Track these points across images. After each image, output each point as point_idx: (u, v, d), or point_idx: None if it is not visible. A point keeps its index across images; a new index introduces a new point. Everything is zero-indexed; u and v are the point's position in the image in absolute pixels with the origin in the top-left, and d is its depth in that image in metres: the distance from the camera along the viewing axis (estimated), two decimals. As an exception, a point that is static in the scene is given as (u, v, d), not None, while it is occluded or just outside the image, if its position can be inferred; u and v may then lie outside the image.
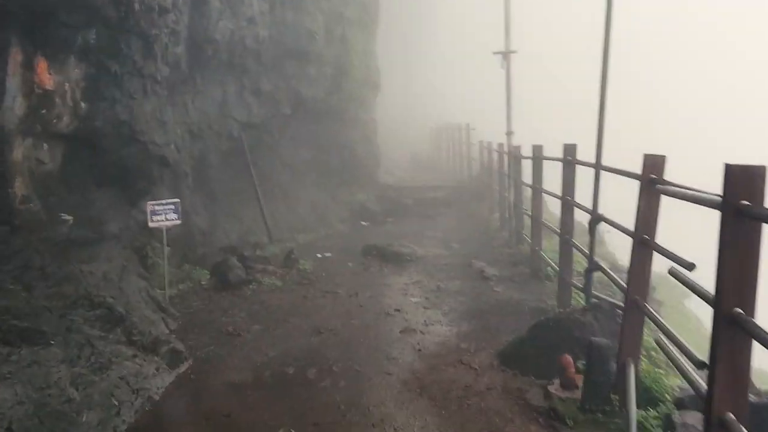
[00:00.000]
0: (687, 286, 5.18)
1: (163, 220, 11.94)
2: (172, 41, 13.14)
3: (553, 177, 11.48)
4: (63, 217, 11.17)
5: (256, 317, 11.05)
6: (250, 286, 12.97)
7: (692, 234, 18.89)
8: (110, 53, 11.33)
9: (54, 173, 11.28)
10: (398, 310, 11.21)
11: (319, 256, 16.26)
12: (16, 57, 10.16)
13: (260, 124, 18.32)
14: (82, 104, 11.14)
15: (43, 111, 10.64)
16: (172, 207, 12.06)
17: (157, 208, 11.86)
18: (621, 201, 10.40)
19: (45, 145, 11.04)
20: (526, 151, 13.98)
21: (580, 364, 7.40)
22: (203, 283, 13.27)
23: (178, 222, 12.18)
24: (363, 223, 21.86)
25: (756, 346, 4.20)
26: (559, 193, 10.55)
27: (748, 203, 4.23)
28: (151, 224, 11.86)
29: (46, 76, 10.49)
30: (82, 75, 11.08)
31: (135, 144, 12.36)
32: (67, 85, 10.87)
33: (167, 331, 10.15)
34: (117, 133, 11.94)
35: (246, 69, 17.25)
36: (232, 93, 16.84)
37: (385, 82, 29.43)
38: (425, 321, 10.60)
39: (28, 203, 10.52)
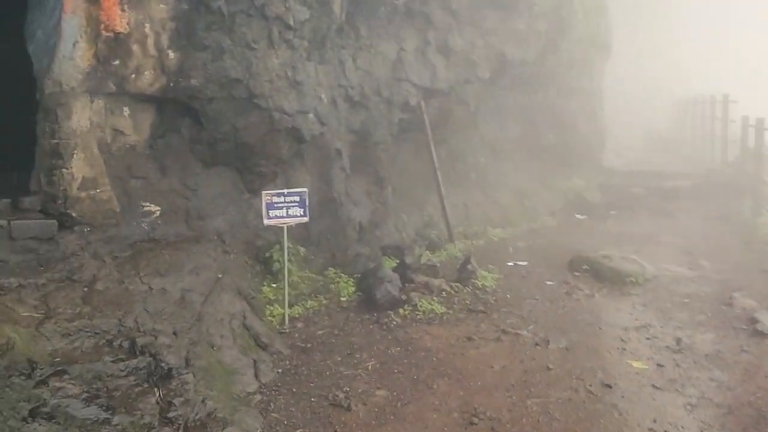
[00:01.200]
0: None
1: (283, 217, 8.63)
2: (316, -28, 9.78)
3: None
4: (145, 208, 8.23)
5: (387, 372, 7.39)
6: (401, 311, 9.29)
7: None
8: (212, -19, 8.16)
9: (138, 148, 8.39)
10: (608, 387, 6.92)
11: (509, 264, 12.17)
12: (76, -15, 7.23)
13: (448, 90, 14.45)
14: (170, 54, 8.07)
15: (116, 62, 7.70)
16: (297, 199, 8.72)
17: (275, 200, 8.61)
18: None
19: (125, 110, 8.13)
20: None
21: None
22: (343, 299, 9.83)
23: (305, 219, 8.84)
24: (578, 216, 17.27)
25: None
26: None
27: None
28: (266, 221, 8.65)
29: (115, 13, 7.51)
30: (171, 12, 8.01)
31: (254, 111, 9.18)
32: (147, 26, 7.85)
33: (252, 388, 6.79)
34: (228, 95, 8.79)
35: (430, 20, 13.46)
36: (410, 50, 13.13)
37: (617, 44, 24.10)
38: (655, 420, 6.22)
39: (93, 188, 7.66)
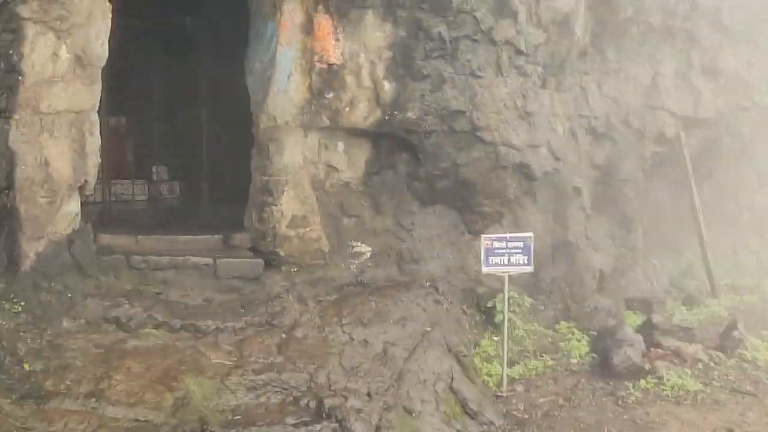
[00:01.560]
0: None
1: (503, 264, 7.63)
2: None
3: None
4: (356, 248, 7.73)
5: (617, 466, 6.00)
6: (643, 382, 7.74)
7: None
8: (434, 5, 7.47)
9: (352, 185, 7.92)
10: None
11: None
12: (292, 16, 6.98)
13: (715, 119, 12.37)
14: (386, 85, 7.50)
15: (329, 95, 7.30)
16: (520, 245, 7.68)
17: (496, 246, 7.65)
18: None
19: (340, 145, 7.71)
20: None
21: None
22: (573, 360, 8.51)
23: (528, 269, 7.75)
24: None
25: None
26: None
27: None
28: (485, 269, 7.71)
29: (330, 44, 7.11)
30: (388, 41, 7.45)
31: (477, 145, 8.30)
32: (362, 56, 7.37)
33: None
34: (448, 128, 8.04)
35: (694, 38, 11.63)
36: (668, 74, 11.41)
37: None
38: None
39: (302, 227, 7.32)
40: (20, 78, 5.18)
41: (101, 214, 8.92)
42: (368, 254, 7.91)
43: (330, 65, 7.29)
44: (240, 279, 7.01)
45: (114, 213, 9.06)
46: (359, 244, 7.89)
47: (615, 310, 9.83)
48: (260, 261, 7.15)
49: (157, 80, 9.77)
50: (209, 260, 6.84)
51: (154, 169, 11.01)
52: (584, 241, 10.26)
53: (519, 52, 8.40)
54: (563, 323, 9.26)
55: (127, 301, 6.04)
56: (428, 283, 8.08)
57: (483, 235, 7.85)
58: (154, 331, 6.00)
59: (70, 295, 5.78)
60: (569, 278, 9.80)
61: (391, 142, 8.01)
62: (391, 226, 8.18)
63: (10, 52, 5.06)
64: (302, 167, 7.49)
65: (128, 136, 10.91)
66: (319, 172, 7.69)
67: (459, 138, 8.20)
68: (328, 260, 7.63)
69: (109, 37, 6.00)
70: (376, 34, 7.42)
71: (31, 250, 5.58)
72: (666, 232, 12.41)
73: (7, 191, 5.19)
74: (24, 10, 5.10)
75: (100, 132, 11.12)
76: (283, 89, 7.29)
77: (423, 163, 8.14)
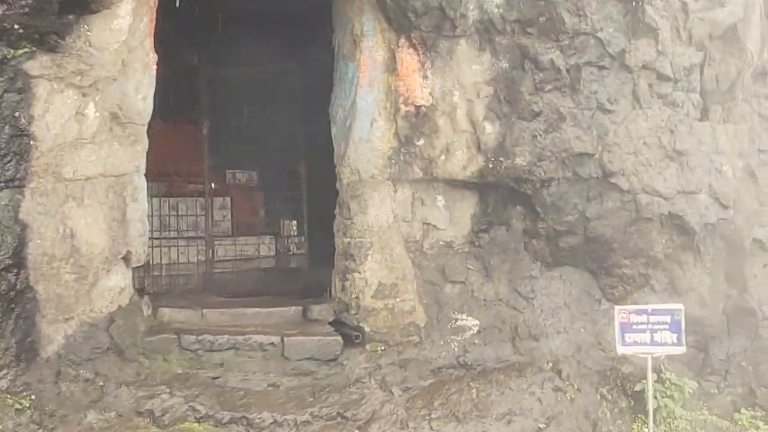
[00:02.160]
0: None
1: (645, 344, 6.06)
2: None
3: None
4: (459, 322, 6.50)
5: None
6: None
7: None
8: (542, 29, 6.18)
9: (456, 245, 6.73)
10: None
11: None
12: (373, 53, 6.05)
13: None
14: (487, 127, 6.26)
15: (419, 142, 6.22)
16: (667, 320, 6.08)
17: (634, 320, 6.13)
18: None
19: (439, 199, 6.57)
20: None
21: None
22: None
23: (679, 350, 6.10)
24: None
25: None
26: None
27: None
28: (620, 349, 6.20)
29: (416, 82, 6.05)
30: (486, 74, 6.23)
31: (611, 194, 6.76)
32: (456, 94, 6.20)
33: None
34: (571, 175, 6.62)
35: None
36: None
37: None
38: None
39: (392, 297, 6.26)
40: (32, 143, 4.63)
41: (205, 279, 8.41)
42: (475, 329, 6.60)
43: (417, 107, 6.19)
44: (313, 360, 6.01)
45: (216, 277, 8.52)
46: (464, 316, 6.62)
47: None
48: (337, 339, 6.11)
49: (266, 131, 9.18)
50: (275, 339, 5.91)
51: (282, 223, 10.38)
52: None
53: (663, 77, 6.79)
54: (745, 412, 7.39)
55: (167, 390, 5.24)
56: (549, 365, 6.59)
57: (617, 307, 6.30)
58: (195, 425, 5.14)
59: (101, 384, 5.09)
60: (752, 355, 7.86)
61: (502, 193, 6.71)
62: (505, 294, 6.82)
63: (17, 114, 4.51)
64: (391, 227, 6.40)
65: (259, 191, 10.47)
66: (414, 232, 6.55)
67: (586, 186, 6.72)
68: (424, 337, 6.44)
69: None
70: (471, 68, 6.21)
71: (56, 333, 4.96)
72: None
73: (15, 270, 4.60)
74: (33, 67, 4.53)
75: (228, 185, 11.03)
76: (366, 138, 6.30)
77: (542, 218, 6.73)
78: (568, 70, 6.37)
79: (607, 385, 6.96)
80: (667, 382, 7.06)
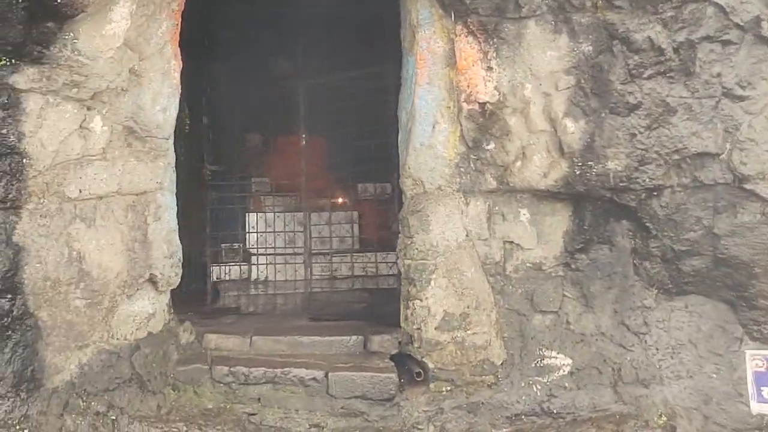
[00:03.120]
0: None
1: (788, 400, 4.67)
2: None
3: None
4: (548, 360, 5.48)
5: None
6: None
7: None
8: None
9: (546, 267, 5.70)
10: None
11: None
12: (431, 43, 5.33)
13: None
14: (569, 125, 5.15)
15: (489, 146, 5.31)
16: (818, 369, 4.61)
17: (770, 366, 4.75)
18: None
19: (523, 213, 5.59)
20: None
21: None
22: None
23: (837, 411, 4.57)
24: None
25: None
26: None
27: None
28: (754, 406, 4.87)
29: (477, 74, 5.16)
30: (565, 61, 5.13)
31: (747, 204, 5.30)
32: (528, 87, 5.18)
33: None
34: (690, 181, 5.28)
35: None
36: None
37: None
38: None
39: (461, 328, 5.43)
40: (25, 161, 4.38)
41: (308, 299, 8.00)
42: (566, 369, 5.48)
43: (482, 105, 5.22)
44: (364, 400, 5.27)
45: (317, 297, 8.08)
46: (554, 353, 5.52)
47: None
48: (392, 376, 5.31)
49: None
50: (318, 374, 5.24)
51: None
52: None
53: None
54: None
55: (187, 427, 4.77)
56: (662, 419, 5.27)
57: (749, 351, 4.87)
58: (214, 469, 4.62)
59: (113, 418, 4.72)
60: None
61: (601, 204, 5.51)
62: (609, 328, 5.60)
63: (4, 131, 4.28)
64: (462, 246, 5.49)
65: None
66: (492, 252, 5.57)
67: (712, 194, 5.31)
68: (501, 377, 5.44)
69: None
70: (546, 54, 5.12)
71: (66, 362, 4.65)
72: None
73: (9, 296, 4.35)
74: (19, 81, 4.26)
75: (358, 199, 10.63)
76: (427, 143, 5.45)
77: (654, 235, 5.44)
78: (676, 50, 5.05)
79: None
80: None
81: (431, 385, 5.43)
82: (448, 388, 5.40)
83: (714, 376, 5.54)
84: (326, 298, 8.04)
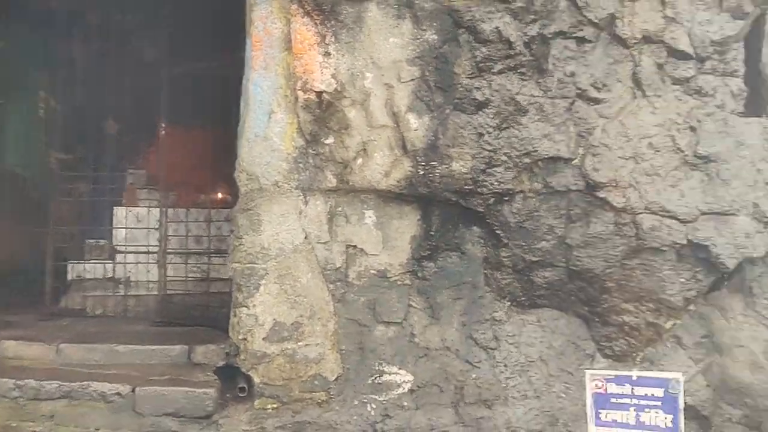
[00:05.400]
0: None
1: (627, 426, 4.30)
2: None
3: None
4: (386, 376, 5.03)
5: None
6: None
7: None
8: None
9: (391, 275, 5.29)
10: None
11: None
12: (266, 24, 4.91)
13: None
14: (412, 120, 4.73)
15: (328, 141, 4.85)
16: (658, 394, 4.31)
17: (613, 390, 4.43)
18: None
19: (369, 216, 5.19)
20: None
21: None
22: None
23: (682, 439, 4.24)
24: None
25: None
26: None
27: None
28: (593, 430, 4.39)
29: (315, 61, 4.74)
30: (409, 50, 4.74)
31: (599, 214, 5.02)
32: (369, 76, 4.79)
33: None
34: (541, 187, 4.94)
35: None
36: None
37: None
38: None
39: (292, 340, 4.97)
40: None
41: (162, 302, 7.34)
42: (407, 386, 5.04)
43: (318, 94, 4.74)
44: (177, 418, 4.70)
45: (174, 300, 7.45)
46: (395, 369, 5.07)
47: None
48: (210, 392, 4.77)
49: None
50: (124, 388, 4.65)
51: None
52: None
53: (678, 54, 4.93)
54: None
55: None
56: (514, 443, 4.88)
57: (589, 372, 4.50)
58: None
59: None
60: None
61: (450, 209, 5.09)
62: (456, 341, 5.19)
63: None
64: (299, 250, 4.99)
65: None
66: (333, 257, 5.09)
67: (564, 201, 4.98)
68: (334, 394, 4.96)
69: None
70: (388, 41, 4.68)
71: None
72: None
73: None
74: None
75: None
76: (263, 134, 4.93)
77: (506, 243, 5.05)
78: (527, 44, 4.68)
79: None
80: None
81: (256, 402, 4.91)
82: (274, 406, 4.89)
83: (563, 396, 5.20)
84: (181, 300, 7.42)
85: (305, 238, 5.05)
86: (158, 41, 7.92)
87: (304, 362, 4.95)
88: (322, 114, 4.79)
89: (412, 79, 4.71)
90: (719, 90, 5.10)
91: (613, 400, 4.38)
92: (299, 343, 4.95)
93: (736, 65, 5.18)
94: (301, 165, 4.98)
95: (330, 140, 4.87)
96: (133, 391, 4.69)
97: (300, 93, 4.78)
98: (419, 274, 5.21)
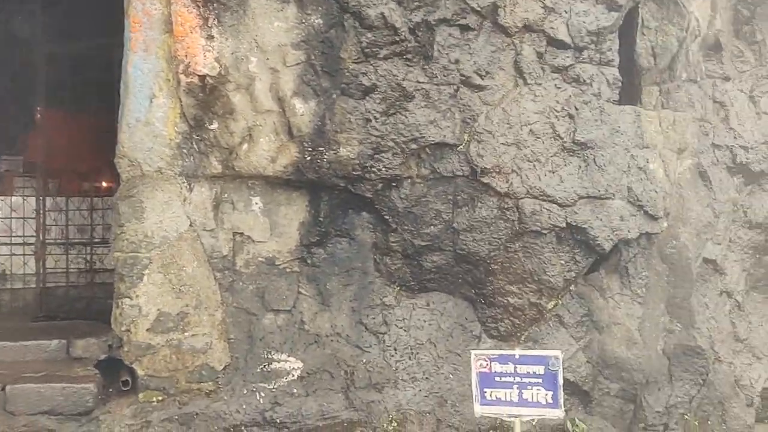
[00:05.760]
0: None
1: (510, 403, 4.39)
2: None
3: None
4: (275, 364, 4.99)
5: None
6: None
7: None
8: (371, -24, 4.55)
9: (280, 263, 5.19)
10: None
11: None
12: (145, 4, 4.56)
13: None
14: (299, 105, 4.66)
15: (213, 126, 4.70)
16: (539, 371, 4.40)
17: (497, 369, 4.47)
18: None
19: (256, 202, 5.11)
20: None
21: None
22: None
23: (556, 414, 4.39)
24: None
25: None
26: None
27: None
28: (478, 409, 4.51)
29: (197, 44, 4.60)
30: (294, 34, 4.69)
31: (485, 199, 5.12)
32: (253, 60, 4.66)
33: None
34: (429, 173, 4.98)
35: None
36: None
37: None
38: None
39: (178, 330, 4.76)
40: None
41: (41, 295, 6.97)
42: (296, 373, 5.01)
43: (202, 78, 4.61)
44: (54, 416, 4.49)
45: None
46: (284, 356, 5.03)
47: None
48: (89, 387, 4.59)
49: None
50: (-6, 385, 4.39)
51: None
52: (731, 346, 6.41)
53: (557, 44, 5.10)
54: (686, 482, 5.72)
55: None
56: (392, 424, 4.94)
57: (474, 352, 4.61)
58: None
59: None
60: (699, 405, 6.06)
61: (339, 195, 5.08)
62: (346, 327, 5.20)
63: None
64: (183, 238, 4.85)
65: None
66: (219, 245, 4.98)
67: (451, 187, 5.08)
68: (222, 383, 4.87)
69: None
70: (273, 25, 4.62)
71: None
72: None
73: None
74: None
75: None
76: (144, 119, 4.76)
77: (395, 229, 5.09)
78: (412, 30, 4.73)
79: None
80: (574, 438, 5.40)
81: (140, 395, 4.76)
82: (160, 398, 4.76)
83: (451, 376, 5.32)
84: (64, 293, 7.08)
85: (190, 225, 4.92)
86: (32, 16, 7.46)
87: (191, 352, 4.83)
88: (206, 98, 4.67)
89: (298, 64, 4.66)
90: (596, 79, 5.33)
91: (497, 378, 4.52)
92: (185, 334, 4.83)
93: (611, 55, 5.44)
94: (185, 151, 4.84)
95: (215, 125, 4.75)
96: (3, 389, 4.44)
97: (182, 77, 4.64)
98: (308, 261, 5.18)
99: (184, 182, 4.89)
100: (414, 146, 4.87)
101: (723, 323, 6.38)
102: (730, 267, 6.45)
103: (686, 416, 6.07)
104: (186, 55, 4.60)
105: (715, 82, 6.30)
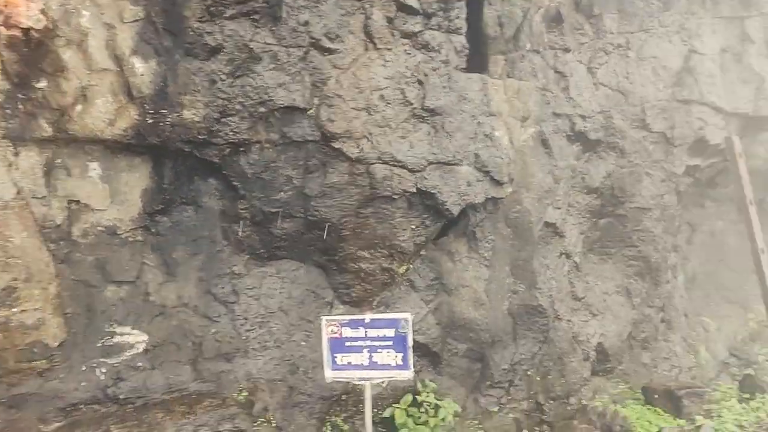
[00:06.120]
0: None
1: (360, 367, 4.37)
2: None
3: None
4: (117, 337, 4.69)
5: None
6: None
7: None
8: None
9: (122, 232, 4.88)
10: None
11: None
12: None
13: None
14: (139, 65, 4.37)
15: (41, 84, 4.29)
16: (389, 334, 4.43)
17: (347, 334, 4.43)
18: None
19: (93, 168, 4.77)
20: None
21: None
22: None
23: (405, 374, 4.46)
24: None
25: None
26: None
27: None
28: (329, 374, 4.46)
29: (19, -3, 4.06)
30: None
31: (336, 164, 5.09)
32: (86, 14, 4.33)
33: None
34: (278, 137, 4.86)
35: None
36: (709, 52, 7.81)
37: None
38: None
39: (6, 306, 4.28)
40: None
41: None
42: (142, 346, 4.79)
43: (26, 31, 4.22)
44: None
45: None
46: (128, 329, 4.78)
47: (613, 415, 6.30)
48: None
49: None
50: None
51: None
52: (569, 304, 6.79)
53: (407, 9, 5.10)
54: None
55: None
56: (243, 394, 4.85)
57: (325, 318, 4.59)
58: None
59: None
60: (541, 362, 6.39)
61: (184, 161, 4.85)
62: (194, 298, 5.02)
63: None
64: (9, 206, 4.47)
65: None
66: (53, 213, 4.63)
67: (302, 152, 4.99)
68: (58, 361, 4.56)
69: None
70: (108, -23, 4.30)
71: None
72: (724, 281, 8.84)
73: None
74: None
75: None
76: (-41, 76, 4.28)
77: (243, 195, 4.94)
78: (261, -12, 4.56)
79: (339, 415, 5.33)
80: (424, 404, 5.53)
81: (-36, 378, 4.37)
82: (-12, 380, 4.39)
83: (303, 344, 5.29)
84: None
85: (18, 193, 4.53)
86: None
87: (21, 330, 4.48)
88: (32, 54, 4.29)
89: (136, 20, 4.37)
90: (444, 46, 5.40)
91: (348, 343, 4.55)
92: (13, 310, 4.47)
93: (459, 23, 5.52)
94: (8, 111, 4.43)
95: (43, 84, 4.38)
96: None
97: (2, 29, 4.22)
98: (153, 230, 4.94)
99: (9, 145, 4.48)
100: (262, 110, 4.74)
101: (562, 283, 6.74)
102: (569, 230, 6.81)
103: (529, 372, 6.41)
104: (6, 5, 4.19)
105: (557, 53, 6.57)
